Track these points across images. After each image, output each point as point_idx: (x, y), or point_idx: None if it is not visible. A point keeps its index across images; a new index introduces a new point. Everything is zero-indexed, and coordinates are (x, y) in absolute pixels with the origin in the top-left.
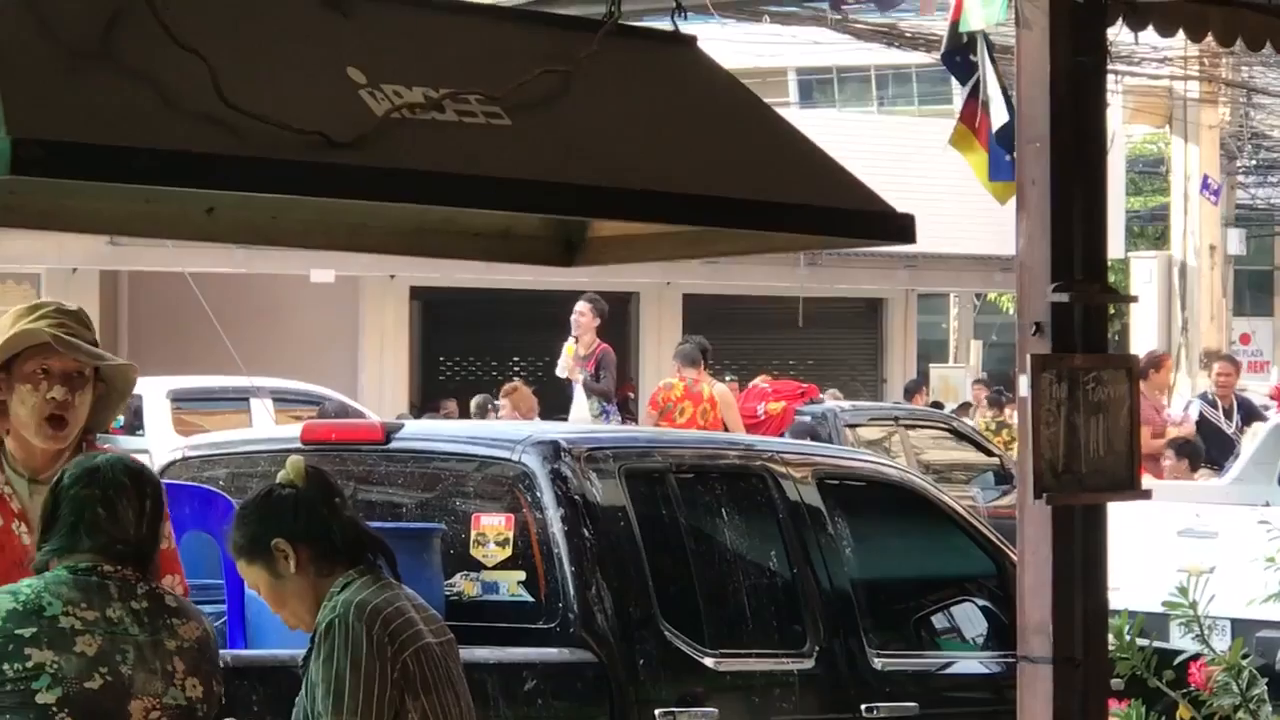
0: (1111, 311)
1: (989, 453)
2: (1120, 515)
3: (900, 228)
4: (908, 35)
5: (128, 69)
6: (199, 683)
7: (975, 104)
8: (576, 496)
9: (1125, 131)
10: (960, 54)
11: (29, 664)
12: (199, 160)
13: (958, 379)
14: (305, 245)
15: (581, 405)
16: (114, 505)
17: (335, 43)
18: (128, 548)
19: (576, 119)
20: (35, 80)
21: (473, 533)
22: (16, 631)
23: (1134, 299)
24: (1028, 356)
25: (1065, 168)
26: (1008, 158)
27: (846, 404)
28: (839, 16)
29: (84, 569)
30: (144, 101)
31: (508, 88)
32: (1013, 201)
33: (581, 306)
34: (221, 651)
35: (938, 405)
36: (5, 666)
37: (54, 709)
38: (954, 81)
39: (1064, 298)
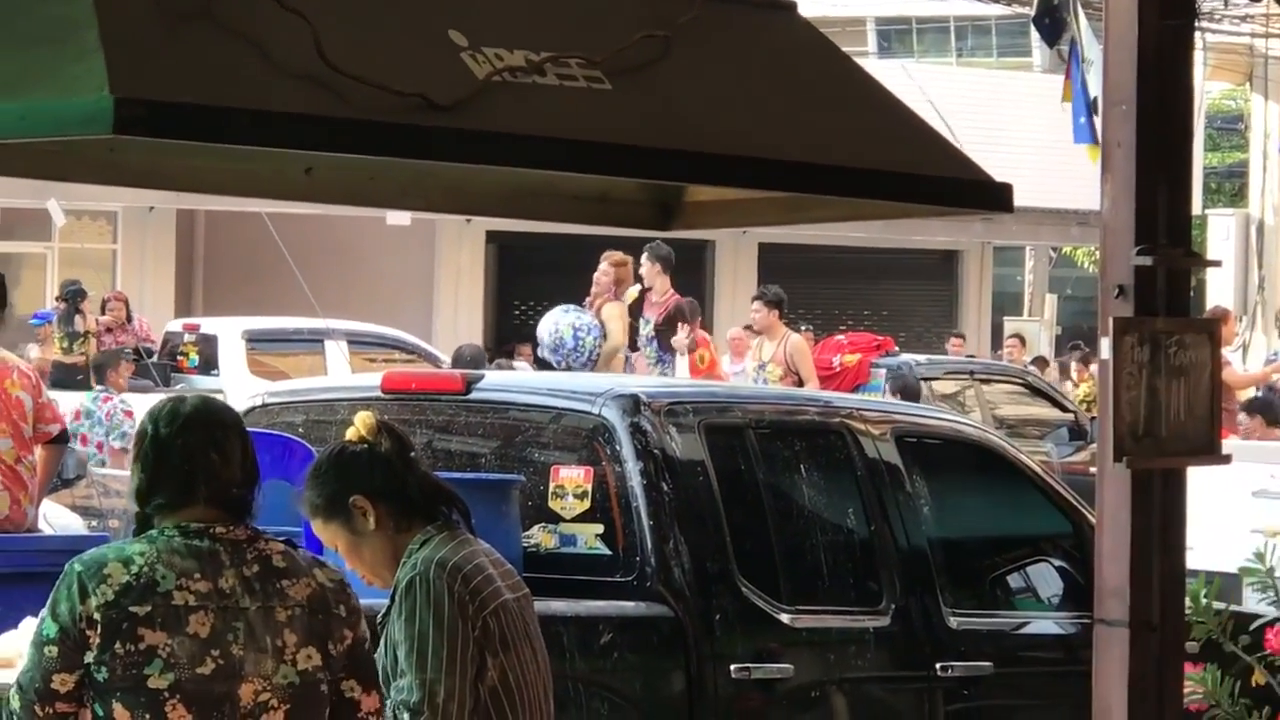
0: None
1: (1063, 408)
2: (1194, 475)
3: (998, 196)
4: None
5: (229, 29)
6: (314, 651)
7: (1071, 62)
8: (656, 450)
9: (1204, 88)
10: (1049, 16)
11: (141, 645)
12: (299, 121)
13: (1032, 332)
14: (403, 207)
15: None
16: (224, 448)
17: (437, 5)
18: (240, 490)
19: (676, 84)
20: (137, 40)
21: (551, 485)
22: (131, 609)
23: (1217, 263)
24: (1110, 319)
25: (1151, 131)
26: (1082, 120)
27: (921, 357)
28: None
29: (196, 530)
30: (245, 62)
31: (608, 52)
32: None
33: (645, 264)
34: None
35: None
36: (117, 645)
37: (165, 694)
38: (1033, 34)
39: (1147, 261)
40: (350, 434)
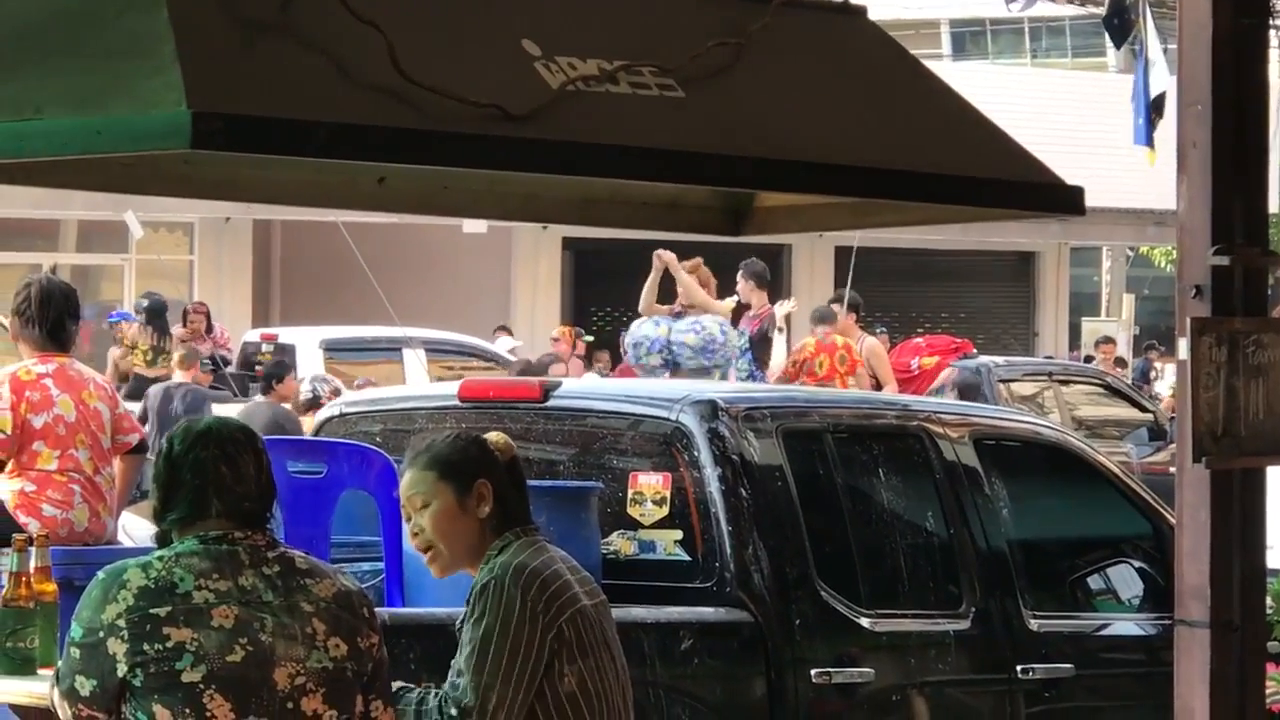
0: None
1: (1143, 408)
2: (1274, 474)
3: (1069, 199)
4: None
5: (305, 42)
6: (341, 641)
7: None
8: (734, 456)
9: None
10: (1119, 16)
11: (169, 644)
12: (376, 133)
13: (1110, 332)
14: (476, 215)
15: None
16: (236, 463)
17: (510, 15)
18: (254, 504)
19: (749, 91)
20: (214, 54)
21: (630, 491)
22: (151, 610)
23: None
24: (1187, 320)
25: (1226, 130)
26: (1141, 121)
27: (1000, 359)
28: None
29: (214, 537)
30: (321, 74)
31: (681, 60)
32: (1167, 155)
33: (740, 281)
34: (378, 610)
35: (1089, 359)
36: (145, 646)
37: (200, 686)
38: (1107, 34)
39: (1224, 261)
40: (490, 438)
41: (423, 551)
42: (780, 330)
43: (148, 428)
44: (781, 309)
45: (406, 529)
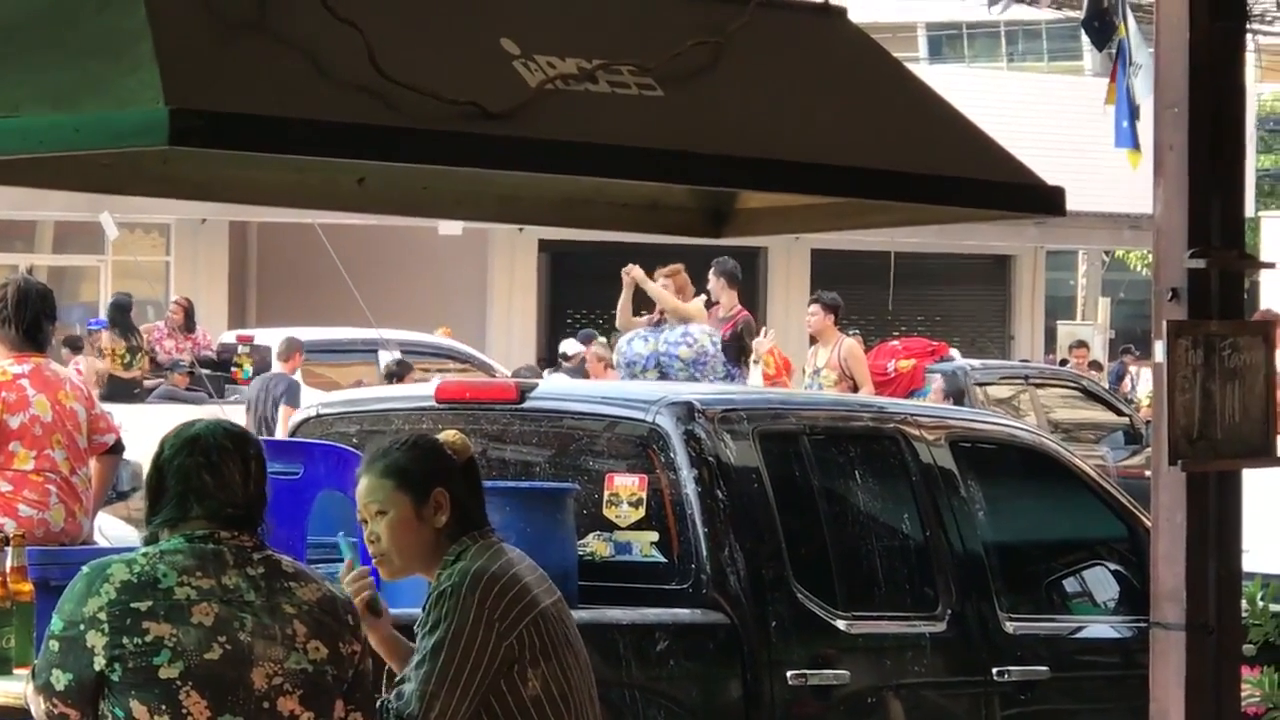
0: None
1: (1119, 412)
2: (1249, 477)
3: (1050, 200)
4: None
5: (284, 40)
6: (322, 645)
7: (1117, 65)
8: (710, 458)
9: (1256, 90)
10: (1099, 19)
11: (147, 638)
12: (354, 131)
13: (1085, 336)
14: (455, 216)
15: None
16: (219, 470)
17: (489, 13)
18: (238, 510)
19: (728, 91)
20: (191, 52)
21: (606, 493)
22: (132, 604)
23: (1270, 265)
24: (1163, 322)
25: (1203, 134)
26: (1125, 124)
27: (976, 362)
28: None
29: (200, 536)
30: (300, 72)
31: (660, 59)
32: (1143, 160)
33: (711, 279)
34: None
35: (1063, 363)
36: (125, 640)
37: (177, 683)
38: (1084, 38)
39: (1201, 264)
40: (443, 439)
41: (375, 557)
42: (755, 362)
43: (249, 417)
44: (760, 345)
45: (363, 533)
